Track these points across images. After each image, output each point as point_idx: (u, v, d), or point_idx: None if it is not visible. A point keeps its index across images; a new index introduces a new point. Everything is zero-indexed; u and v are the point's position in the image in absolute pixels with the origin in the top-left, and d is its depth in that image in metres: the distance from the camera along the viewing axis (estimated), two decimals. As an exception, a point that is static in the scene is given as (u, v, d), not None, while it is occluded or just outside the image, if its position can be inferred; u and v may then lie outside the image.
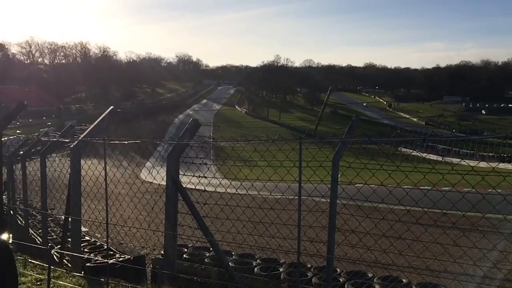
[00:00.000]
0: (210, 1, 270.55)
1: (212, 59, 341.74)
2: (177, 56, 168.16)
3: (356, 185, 4.22)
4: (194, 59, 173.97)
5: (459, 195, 3.99)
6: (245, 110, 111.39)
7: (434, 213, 4.59)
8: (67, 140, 5.88)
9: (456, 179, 3.94)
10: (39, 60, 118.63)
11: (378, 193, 4.20)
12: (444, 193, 3.94)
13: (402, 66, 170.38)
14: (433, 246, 5.02)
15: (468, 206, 4.12)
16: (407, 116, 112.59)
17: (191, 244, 8.02)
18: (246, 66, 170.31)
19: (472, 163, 4.57)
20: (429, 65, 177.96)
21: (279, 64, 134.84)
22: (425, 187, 4.26)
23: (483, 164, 4.48)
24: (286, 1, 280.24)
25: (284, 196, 4.47)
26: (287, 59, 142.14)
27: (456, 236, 4.95)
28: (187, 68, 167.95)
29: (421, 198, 4.06)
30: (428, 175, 3.90)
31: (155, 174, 5.49)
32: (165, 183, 4.89)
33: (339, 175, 4.19)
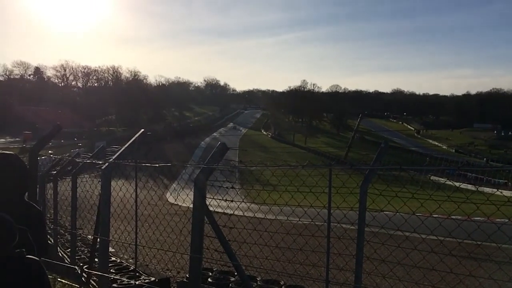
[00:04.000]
0: (238, 26, 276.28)
1: (239, 83, 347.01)
2: (205, 80, 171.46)
3: (386, 213, 4.15)
4: (222, 83, 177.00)
5: (494, 226, 3.86)
6: (271, 134, 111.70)
7: (468, 244, 4.45)
8: (100, 162, 6.03)
9: (490, 210, 3.82)
10: (73, 83, 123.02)
11: (409, 222, 4.11)
12: (478, 224, 3.83)
13: (431, 93, 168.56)
14: (467, 279, 4.84)
15: (504, 239, 3.98)
16: (436, 143, 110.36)
17: (216, 268, 7.99)
18: (273, 91, 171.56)
19: (506, 192, 4.44)
20: (459, 92, 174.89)
21: (305, 89, 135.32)
22: (458, 217, 4.15)
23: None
24: (313, 27, 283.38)
25: (313, 222, 4.42)
26: (313, 84, 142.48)
27: (491, 269, 4.78)
28: (215, 92, 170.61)
29: (455, 229, 3.95)
30: (461, 205, 3.80)
31: (183, 197, 5.54)
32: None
33: (370, 203, 4.13)
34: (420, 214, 4.32)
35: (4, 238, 2.31)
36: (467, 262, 5.21)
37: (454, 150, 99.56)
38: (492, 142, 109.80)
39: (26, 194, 2.95)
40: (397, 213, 4.12)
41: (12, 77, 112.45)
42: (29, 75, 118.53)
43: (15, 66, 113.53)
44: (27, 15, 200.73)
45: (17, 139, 70.24)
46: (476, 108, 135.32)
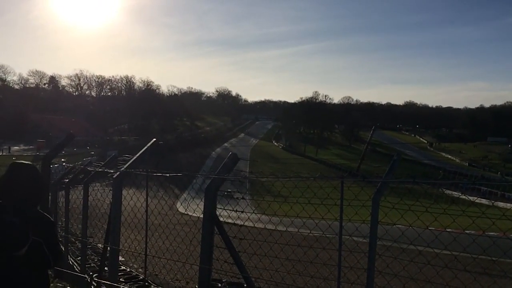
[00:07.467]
0: (251, 38, 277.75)
1: (251, 94, 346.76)
2: (217, 91, 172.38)
3: (399, 226, 4.08)
4: (233, 93, 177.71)
5: (510, 242, 3.77)
6: (282, 145, 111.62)
7: (483, 260, 4.35)
8: (111, 171, 6.05)
9: (505, 225, 3.74)
10: (87, 92, 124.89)
11: (423, 237, 4.03)
12: (494, 240, 3.74)
13: (444, 105, 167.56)
14: (482, 296, 4.72)
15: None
16: (450, 157, 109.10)
17: (225, 279, 7.92)
18: (284, 102, 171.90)
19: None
20: (473, 105, 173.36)
21: (317, 101, 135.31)
22: (473, 232, 4.06)
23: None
24: (326, 38, 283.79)
25: (324, 235, 4.37)
26: (325, 96, 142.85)
27: (507, 286, 4.66)
28: (226, 103, 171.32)
29: (470, 244, 3.87)
30: (476, 220, 3.72)
31: (193, 207, 5.51)
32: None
33: (383, 216, 4.07)
34: (434, 229, 4.24)
35: (10, 242, 2.35)
36: (482, 278, 5.09)
37: (467, 164, 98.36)
38: (507, 156, 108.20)
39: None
40: (410, 227, 4.05)
41: (27, 85, 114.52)
42: (44, 84, 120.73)
43: (30, 75, 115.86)
44: (43, 25, 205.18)
45: (31, 147, 71.24)
46: (490, 121, 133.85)
